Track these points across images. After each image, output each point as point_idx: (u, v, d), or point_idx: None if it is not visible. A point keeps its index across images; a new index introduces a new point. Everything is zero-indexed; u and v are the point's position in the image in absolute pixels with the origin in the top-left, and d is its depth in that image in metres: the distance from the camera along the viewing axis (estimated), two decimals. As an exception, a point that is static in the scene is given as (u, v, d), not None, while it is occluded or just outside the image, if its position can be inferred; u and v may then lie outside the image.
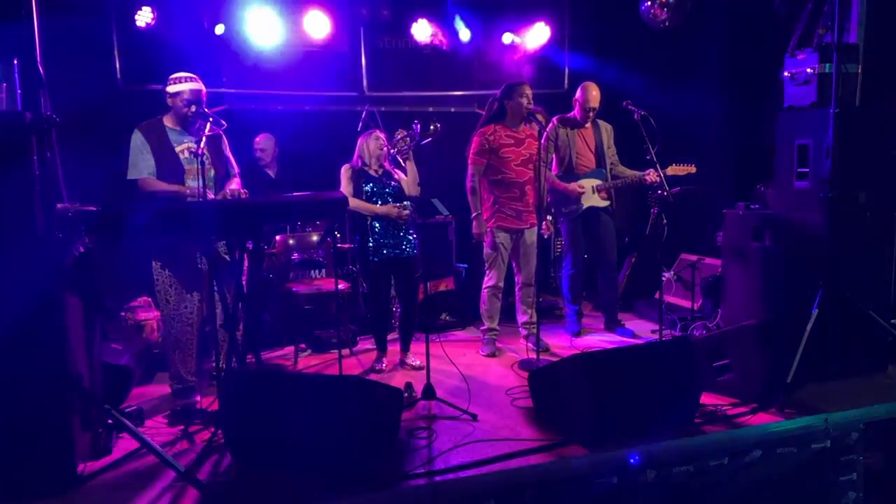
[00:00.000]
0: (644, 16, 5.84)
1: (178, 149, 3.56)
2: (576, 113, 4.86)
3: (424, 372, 3.69)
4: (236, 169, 3.86)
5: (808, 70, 3.94)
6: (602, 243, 4.92)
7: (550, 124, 4.88)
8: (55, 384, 2.63)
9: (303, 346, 4.73)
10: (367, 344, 4.78)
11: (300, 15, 5.65)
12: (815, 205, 3.74)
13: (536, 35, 6.30)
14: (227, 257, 3.59)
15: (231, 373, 3.33)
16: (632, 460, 2.93)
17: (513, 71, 6.34)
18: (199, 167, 3.14)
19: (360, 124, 4.68)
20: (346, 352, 4.51)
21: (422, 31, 5.98)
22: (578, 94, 4.81)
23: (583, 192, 4.80)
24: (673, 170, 4.65)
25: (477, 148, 4.40)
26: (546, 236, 4.46)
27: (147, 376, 4.12)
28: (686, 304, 5.28)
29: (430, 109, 5.96)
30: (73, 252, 3.00)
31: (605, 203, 4.88)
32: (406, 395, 3.52)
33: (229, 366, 3.43)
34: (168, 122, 3.58)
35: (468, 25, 6.12)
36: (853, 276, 3.71)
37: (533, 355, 4.21)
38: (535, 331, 4.29)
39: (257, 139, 5.54)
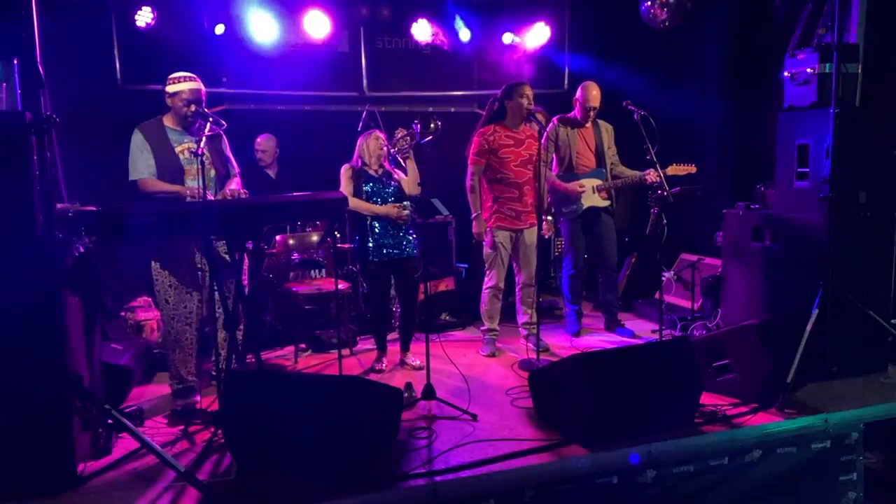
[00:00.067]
0: (644, 16, 5.84)
1: (178, 149, 3.56)
2: (576, 112, 4.86)
3: (424, 372, 3.68)
4: (237, 169, 3.86)
5: (808, 70, 3.95)
6: (602, 243, 4.92)
7: (551, 124, 4.89)
8: (55, 384, 2.63)
9: (303, 346, 4.73)
10: (367, 344, 4.78)
11: (300, 15, 5.66)
12: (815, 205, 3.74)
13: (536, 35, 6.30)
14: (227, 257, 3.59)
15: (231, 373, 3.33)
16: (632, 460, 2.93)
17: (513, 71, 6.34)
18: (199, 167, 3.14)
19: (360, 124, 4.68)
20: (346, 352, 4.51)
21: (422, 31, 5.98)
22: (579, 93, 4.81)
23: (583, 192, 4.80)
24: (673, 169, 4.64)
25: (476, 148, 4.40)
26: (546, 236, 4.46)
27: (147, 376, 4.12)
28: (686, 304, 5.28)
29: (430, 109, 5.96)
30: (73, 252, 3.00)
31: (606, 203, 4.88)
32: (406, 395, 3.52)
33: (229, 366, 3.43)
34: (168, 122, 3.58)
35: (468, 25, 6.12)
36: (853, 276, 3.71)
37: (533, 355, 4.21)
38: (535, 331, 4.29)
39: (258, 140, 5.54)
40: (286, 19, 5.65)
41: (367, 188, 4.11)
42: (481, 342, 4.63)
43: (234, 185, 3.74)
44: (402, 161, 4.25)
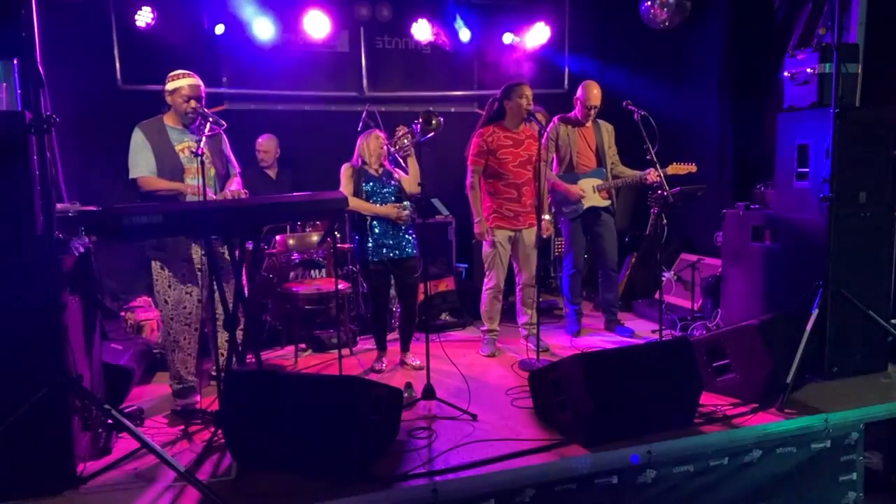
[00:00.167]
0: (644, 16, 5.85)
1: (178, 147, 3.55)
2: (577, 112, 4.86)
3: (424, 372, 3.68)
4: (237, 168, 3.86)
5: (808, 70, 3.95)
6: (602, 243, 4.92)
7: (551, 123, 4.89)
8: (55, 384, 2.63)
9: (303, 346, 4.73)
10: (367, 344, 4.78)
11: (300, 15, 5.66)
12: (815, 205, 3.74)
13: (536, 35, 6.31)
14: (227, 258, 3.59)
15: (231, 373, 3.33)
16: (632, 460, 2.93)
17: (513, 71, 6.35)
18: (200, 167, 3.14)
19: (360, 124, 4.68)
20: (346, 352, 4.51)
21: (422, 31, 5.98)
22: (579, 92, 4.81)
23: (584, 196, 4.80)
24: (673, 168, 4.64)
25: (475, 149, 4.40)
26: (545, 236, 4.45)
27: (147, 376, 4.12)
28: (686, 304, 5.28)
29: (430, 109, 5.95)
30: (73, 252, 3.00)
31: (606, 202, 4.88)
32: (406, 395, 3.52)
33: (229, 366, 3.43)
34: (168, 120, 3.58)
35: (468, 25, 6.13)
36: (853, 276, 3.71)
37: (533, 355, 4.22)
38: (535, 331, 4.29)
39: (260, 140, 5.54)
40: (286, 19, 5.65)
41: (367, 187, 4.11)
42: (481, 342, 4.63)
43: (235, 185, 3.74)
44: (401, 160, 4.25)
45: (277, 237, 4.97)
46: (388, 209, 4.10)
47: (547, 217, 4.56)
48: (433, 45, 6.23)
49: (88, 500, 2.66)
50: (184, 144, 3.57)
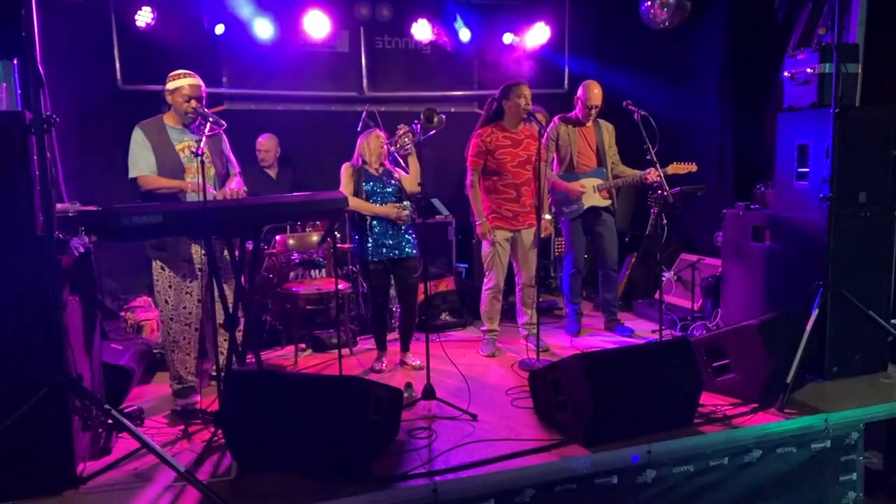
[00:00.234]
0: (644, 16, 5.85)
1: (178, 147, 3.55)
2: (577, 111, 4.86)
3: (424, 372, 3.68)
4: (237, 168, 3.86)
5: (808, 70, 3.95)
6: (603, 242, 4.92)
7: (552, 123, 4.89)
8: (55, 384, 2.63)
9: (303, 346, 4.73)
10: (367, 344, 4.78)
11: (300, 15, 5.66)
12: (815, 205, 3.74)
13: (536, 35, 6.31)
14: (227, 257, 3.59)
15: (231, 373, 3.33)
16: (632, 460, 2.93)
17: (513, 71, 6.35)
18: (200, 166, 3.14)
19: (360, 124, 4.68)
20: (346, 352, 4.51)
21: (422, 30, 5.99)
22: (580, 91, 4.81)
23: (584, 192, 4.80)
24: (674, 168, 4.64)
25: (474, 150, 4.40)
26: (544, 236, 4.45)
27: (147, 376, 4.12)
28: (686, 304, 5.28)
29: (432, 107, 5.96)
30: (73, 252, 3.00)
31: (606, 202, 4.88)
32: (406, 395, 3.52)
33: (229, 366, 3.43)
34: (169, 120, 3.58)
35: (468, 25, 6.13)
36: (853, 275, 3.71)
37: (533, 355, 4.22)
38: (535, 331, 4.29)
39: (260, 140, 5.53)
40: (286, 19, 5.65)
41: (367, 187, 4.11)
42: (481, 342, 4.63)
43: (235, 183, 3.73)
44: (401, 160, 4.25)
45: (277, 237, 4.97)
46: (388, 209, 4.10)
47: (547, 217, 4.56)
48: (433, 45, 6.24)
49: (88, 500, 2.66)
50: (184, 144, 3.57)
